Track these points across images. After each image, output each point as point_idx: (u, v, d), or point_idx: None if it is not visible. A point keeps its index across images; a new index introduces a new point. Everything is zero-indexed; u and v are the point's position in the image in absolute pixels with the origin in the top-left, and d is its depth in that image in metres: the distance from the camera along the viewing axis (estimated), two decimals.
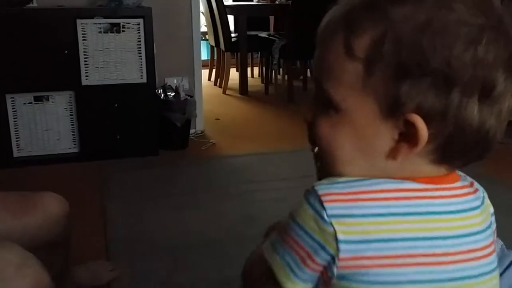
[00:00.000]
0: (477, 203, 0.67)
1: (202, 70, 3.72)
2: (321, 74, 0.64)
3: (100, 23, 2.94)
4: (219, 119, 4.00)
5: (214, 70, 5.66)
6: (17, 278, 0.91)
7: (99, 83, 3.00)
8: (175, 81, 3.41)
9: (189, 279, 1.76)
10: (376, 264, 0.59)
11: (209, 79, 5.76)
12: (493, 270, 0.67)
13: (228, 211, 2.33)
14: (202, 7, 5.06)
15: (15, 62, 2.85)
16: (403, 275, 0.60)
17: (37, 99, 2.95)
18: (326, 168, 0.66)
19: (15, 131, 2.95)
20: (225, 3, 5.08)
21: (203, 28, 5.70)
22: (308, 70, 5.31)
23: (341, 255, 0.59)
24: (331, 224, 0.58)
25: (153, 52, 3.08)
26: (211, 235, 2.09)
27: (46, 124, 2.99)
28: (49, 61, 2.89)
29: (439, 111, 0.58)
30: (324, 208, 0.59)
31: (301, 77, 5.44)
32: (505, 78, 0.59)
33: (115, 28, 2.97)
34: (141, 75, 3.06)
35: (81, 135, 3.03)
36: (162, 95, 3.29)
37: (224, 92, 5.04)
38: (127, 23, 2.98)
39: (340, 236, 0.58)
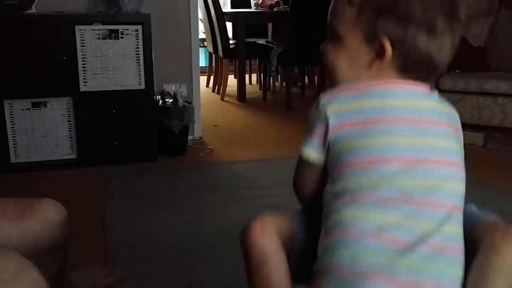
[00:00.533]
0: (440, 102, 0.99)
1: (201, 77, 3.72)
2: (332, 16, 1.00)
3: (98, 29, 2.94)
4: (217, 126, 4.00)
5: (212, 77, 5.67)
6: (14, 284, 0.91)
7: (97, 89, 3.00)
8: (173, 88, 3.41)
9: (189, 283, 1.76)
10: (353, 124, 0.93)
11: (207, 85, 5.77)
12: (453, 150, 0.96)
13: (227, 216, 2.32)
14: (201, 14, 5.07)
15: (13, 68, 2.85)
16: (373, 130, 0.92)
17: (35, 105, 2.94)
18: (329, 78, 1.00)
19: (13, 137, 2.94)
20: (224, 10, 5.10)
21: (202, 35, 5.71)
22: (306, 77, 5.32)
23: (331, 125, 0.94)
24: (324, 108, 0.95)
25: (152, 58, 3.08)
26: (210, 240, 2.08)
27: (44, 130, 2.99)
28: (48, 67, 2.90)
29: (400, 39, 0.93)
30: (319, 102, 0.97)
31: (299, 83, 5.46)
32: (444, 21, 0.93)
33: (114, 35, 2.98)
34: (140, 82, 3.07)
35: (79, 141, 3.03)
36: (160, 101, 3.29)
37: (222, 99, 5.04)
38: (125, 29, 2.99)
39: (329, 113, 0.94)
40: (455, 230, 0.90)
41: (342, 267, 0.87)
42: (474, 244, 0.90)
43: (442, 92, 3.59)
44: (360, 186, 0.89)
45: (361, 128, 0.92)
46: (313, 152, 0.98)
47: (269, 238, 0.96)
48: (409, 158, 0.90)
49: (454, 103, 1.02)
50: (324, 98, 0.96)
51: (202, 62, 5.85)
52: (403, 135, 0.92)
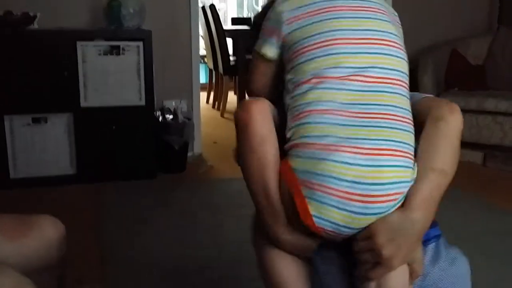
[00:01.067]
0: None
1: (201, 93, 3.73)
2: None
3: (100, 45, 2.96)
4: (216, 142, 3.99)
5: (212, 93, 5.68)
6: None
7: (98, 105, 3.00)
8: (173, 104, 3.41)
9: None
10: (304, 15, 1.06)
11: (207, 102, 5.78)
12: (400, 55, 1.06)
13: (225, 233, 2.31)
14: (201, 31, 5.10)
15: (14, 83, 2.85)
16: (322, 17, 1.05)
17: (35, 120, 2.94)
18: None
19: (13, 152, 2.93)
20: (224, 27, 5.13)
21: (202, 51, 5.74)
22: None
23: (286, 20, 1.07)
24: (278, 8, 1.10)
25: (152, 74, 3.10)
26: (208, 257, 2.07)
27: (44, 146, 2.98)
28: (48, 83, 2.90)
29: None
30: (275, 5, 1.11)
31: None
32: None
33: (115, 51, 2.99)
34: (140, 98, 3.07)
35: (79, 157, 3.02)
36: (160, 117, 3.29)
37: (222, 115, 5.05)
38: (127, 45, 3.00)
39: (283, 10, 1.08)
40: (405, 102, 1.02)
41: (312, 144, 0.95)
42: (420, 117, 1.02)
43: None
44: (318, 69, 1.01)
45: (312, 18, 1.05)
46: (270, 49, 1.11)
47: (268, 121, 1.04)
48: (356, 39, 1.02)
49: None
50: (278, 5, 1.10)
51: (203, 78, 5.86)
52: (349, 18, 1.04)
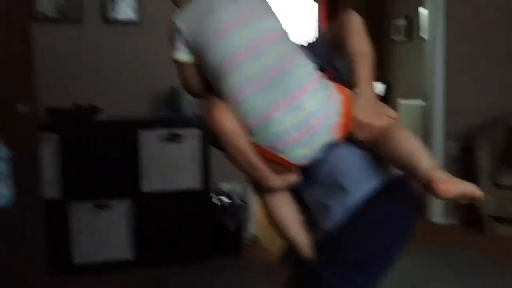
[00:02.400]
0: None
1: None
2: None
3: (160, 133, 3.09)
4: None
5: None
6: None
7: (157, 190, 3.09)
8: (229, 186, 3.47)
9: None
10: (193, 19, 1.28)
11: None
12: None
13: None
14: None
15: (79, 171, 2.99)
16: (208, 14, 1.28)
17: (98, 206, 3.04)
18: None
19: (75, 238, 3.02)
20: None
21: None
22: None
23: (184, 28, 1.28)
24: (174, 21, 1.30)
25: (209, 159, 3.18)
26: None
27: (105, 231, 3.06)
28: (111, 170, 3.03)
29: None
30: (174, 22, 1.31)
31: None
32: None
33: (174, 137, 3.11)
34: (197, 182, 3.15)
35: (138, 241, 3.08)
36: (216, 200, 3.35)
37: None
38: (185, 132, 3.12)
39: (178, 22, 1.29)
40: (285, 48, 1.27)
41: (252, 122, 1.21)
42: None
43: (502, 188, 3.50)
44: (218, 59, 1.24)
45: (199, 17, 1.27)
46: (181, 54, 1.30)
47: (231, 118, 1.22)
48: (236, 22, 1.25)
49: None
50: (173, 17, 1.31)
51: None
52: (228, 6, 1.27)
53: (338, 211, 1.27)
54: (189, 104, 3.18)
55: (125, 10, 3.37)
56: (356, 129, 1.23)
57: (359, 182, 1.27)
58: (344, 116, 1.21)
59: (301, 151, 1.21)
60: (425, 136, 4.01)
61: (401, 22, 5.17)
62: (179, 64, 1.32)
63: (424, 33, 4.27)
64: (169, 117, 3.21)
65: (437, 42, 3.89)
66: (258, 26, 1.25)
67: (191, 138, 3.13)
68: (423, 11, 4.45)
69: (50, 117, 3.02)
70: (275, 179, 1.27)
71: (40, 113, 2.68)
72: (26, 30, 2.16)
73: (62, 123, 3.03)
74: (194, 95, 1.39)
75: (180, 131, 3.11)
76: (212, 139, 1.28)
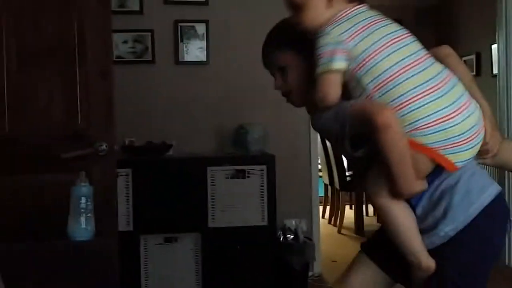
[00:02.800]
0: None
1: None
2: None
3: (227, 170, 3.16)
4: (336, 261, 3.93)
5: (328, 207, 5.69)
6: None
7: (224, 225, 3.14)
8: (293, 223, 3.47)
9: None
10: (356, 33, 1.35)
11: (323, 216, 5.77)
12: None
13: None
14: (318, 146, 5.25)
15: (150, 205, 3.09)
16: (371, 28, 1.36)
17: (167, 240, 3.13)
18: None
19: (145, 271, 3.11)
20: None
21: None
22: None
23: (345, 38, 1.35)
24: (332, 31, 1.36)
25: (275, 196, 3.21)
26: None
27: (173, 265, 3.13)
28: (181, 205, 3.11)
29: None
30: (325, 31, 1.38)
31: None
32: None
33: (241, 174, 3.17)
34: (263, 218, 3.18)
35: (205, 276, 3.13)
36: (282, 237, 3.35)
37: (339, 231, 5.00)
38: (251, 169, 3.18)
39: (338, 33, 1.35)
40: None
41: (428, 123, 1.31)
42: None
43: None
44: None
45: (363, 32, 1.34)
46: (340, 63, 1.33)
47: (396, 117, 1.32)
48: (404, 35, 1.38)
49: None
50: (326, 28, 1.36)
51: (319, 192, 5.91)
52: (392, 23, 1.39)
53: (446, 225, 1.38)
54: (255, 142, 3.24)
55: (195, 51, 3.52)
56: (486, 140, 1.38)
57: (469, 196, 1.38)
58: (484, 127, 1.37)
59: (466, 155, 1.32)
60: (500, 172, 3.86)
61: (472, 57, 5.07)
62: (333, 75, 1.36)
63: (495, 69, 4.16)
64: (235, 154, 3.28)
65: (510, 77, 3.78)
66: (415, 44, 1.38)
67: (257, 174, 3.18)
68: (494, 47, 4.35)
69: (125, 154, 3.16)
70: (417, 183, 1.35)
71: (117, 151, 2.82)
72: (107, 71, 2.29)
73: (135, 159, 3.17)
74: (328, 105, 1.39)
75: (246, 168, 3.17)
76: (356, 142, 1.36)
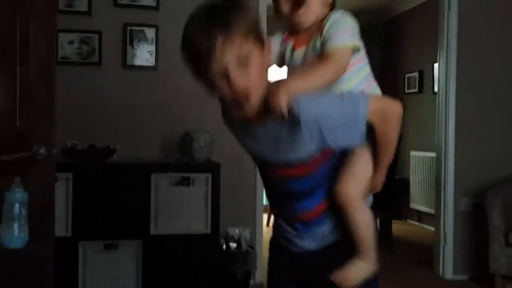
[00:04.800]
0: None
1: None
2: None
3: (172, 177, 3.12)
4: None
5: (272, 216, 5.71)
6: None
7: (167, 233, 3.10)
8: (237, 231, 3.47)
9: None
10: None
11: (268, 224, 5.80)
12: None
13: None
14: None
15: (90, 211, 3.01)
16: None
17: (107, 246, 3.06)
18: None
19: (83, 278, 3.02)
20: None
21: None
22: None
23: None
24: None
25: (219, 204, 3.20)
26: None
27: (113, 272, 3.06)
28: (122, 211, 3.05)
29: None
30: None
31: None
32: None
33: (186, 181, 3.14)
34: (206, 226, 3.16)
35: (145, 283, 3.07)
36: (224, 245, 3.34)
37: None
38: (197, 177, 3.16)
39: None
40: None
41: None
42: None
43: None
44: None
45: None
46: (359, 41, 1.35)
47: None
48: None
49: None
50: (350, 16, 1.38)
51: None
52: None
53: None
54: (201, 149, 3.23)
55: (144, 56, 3.48)
56: None
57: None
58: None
59: None
60: (438, 189, 4.01)
61: (415, 75, 5.26)
62: (351, 52, 1.35)
63: (436, 87, 4.33)
64: (181, 161, 3.25)
65: (449, 95, 3.94)
66: None
67: (202, 182, 3.16)
68: (436, 66, 4.53)
69: (66, 157, 3.07)
70: None
71: (57, 154, 2.73)
72: (49, 72, 2.22)
73: (77, 163, 3.08)
74: (339, 78, 1.35)
75: (191, 175, 3.15)
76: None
